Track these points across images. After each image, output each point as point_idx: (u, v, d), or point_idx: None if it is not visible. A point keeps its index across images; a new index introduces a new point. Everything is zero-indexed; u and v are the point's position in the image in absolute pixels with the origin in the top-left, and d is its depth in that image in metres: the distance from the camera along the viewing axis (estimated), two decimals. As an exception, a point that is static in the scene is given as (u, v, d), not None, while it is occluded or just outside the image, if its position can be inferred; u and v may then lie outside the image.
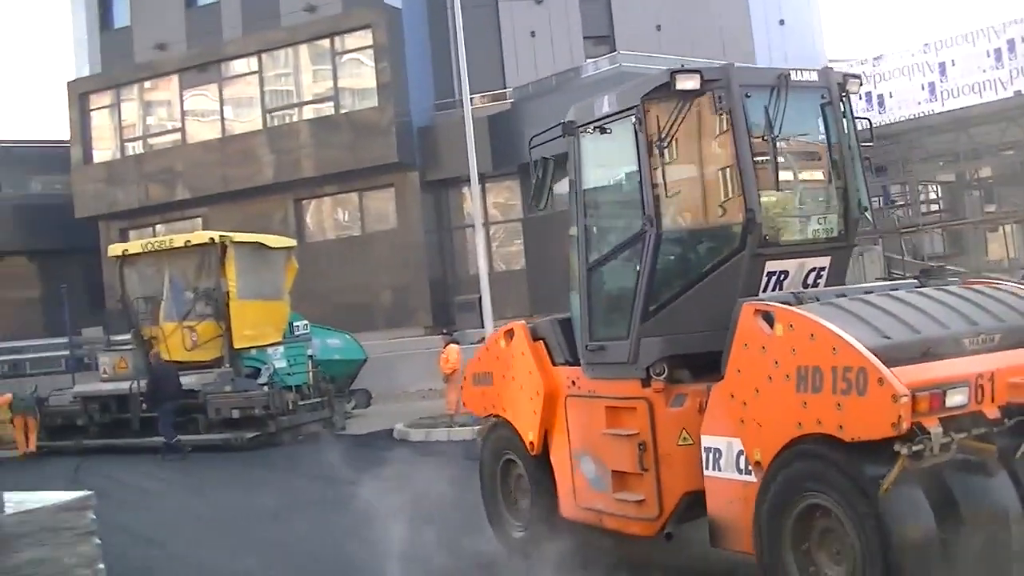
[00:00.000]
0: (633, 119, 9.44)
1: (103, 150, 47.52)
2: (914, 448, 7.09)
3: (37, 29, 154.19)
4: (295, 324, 27.49)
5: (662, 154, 9.17)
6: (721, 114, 9.05)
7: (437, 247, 40.99)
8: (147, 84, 46.46)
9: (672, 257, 9.61)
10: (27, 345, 41.86)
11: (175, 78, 45.20)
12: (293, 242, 30.32)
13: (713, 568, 9.68)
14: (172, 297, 26.35)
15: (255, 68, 43.44)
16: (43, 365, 37.58)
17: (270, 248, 27.45)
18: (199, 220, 44.00)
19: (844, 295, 8.51)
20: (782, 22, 46.11)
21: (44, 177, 55.03)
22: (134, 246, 28.80)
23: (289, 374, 25.93)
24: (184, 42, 45.35)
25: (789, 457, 7.88)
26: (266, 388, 24.34)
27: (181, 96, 45.12)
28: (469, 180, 29.98)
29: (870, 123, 10.19)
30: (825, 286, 9.41)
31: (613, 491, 9.73)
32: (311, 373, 26.87)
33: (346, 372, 29.41)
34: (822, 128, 9.68)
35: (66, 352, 37.18)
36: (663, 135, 9.15)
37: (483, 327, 26.13)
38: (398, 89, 40.32)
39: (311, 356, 27.38)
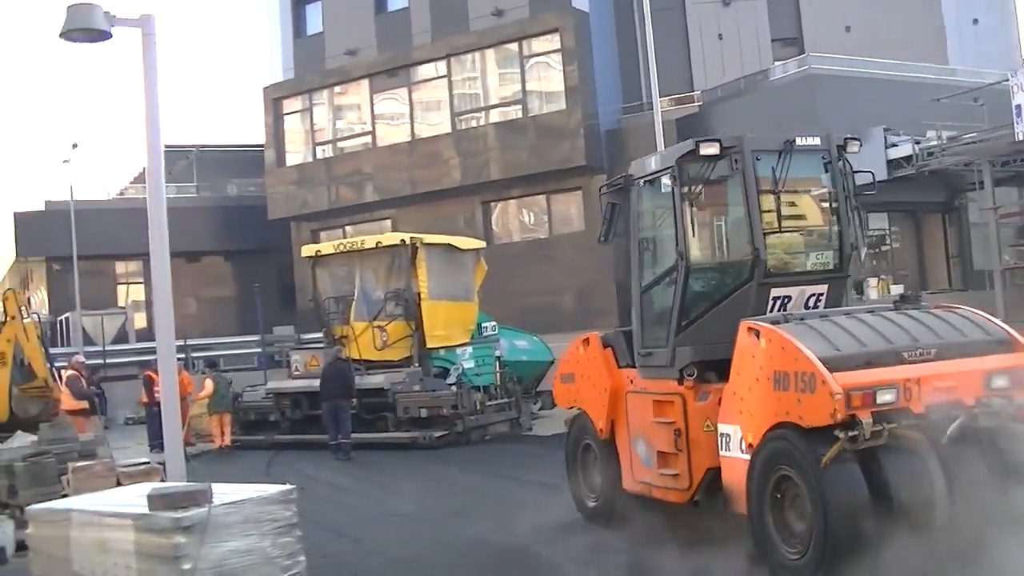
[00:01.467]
0: (670, 176, 11.96)
1: (295, 153, 48.60)
2: (850, 433, 9.42)
3: (235, 37, 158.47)
4: (483, 325, 27.65)
5: (691, 203, 11.78)
6: (736, 173, 11.63)
7: (623, 250, 40.93)
8: (338, 89, 47.40)
9: (698, 284, 12.10)
10: (221, 342, 42.99)
11: (365, 83, 46.02)
12: (482, 243, 30.49)
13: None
14: (363, 297, 26.71)
15: (443, 72, 43.98)
16: (236, 362, 38.49)
17: (460, 249, 27.67)
18: (388, 222, 44.70)
19: (825, 316, 10.96)
20: (976, 21, 44.95)
21: (240, 180, 56.60)
22: (326, 247, 29.34)
23: (477, 374, 26.07)
24: (374, 47, 46.07)
25: (768, 440, 10.28)
26: (454, 388, 24.49)
27: (371, 100, 45.94)
28: (657, 183, 29.77)
29: (873, 175, 12.58)
30: (825, 308, 11.76)
31: (657, 467, 12.21)
32: (499, 374, 26.95)
33: (533, 373, 29.45)
34: (824, 180, 12.14)
35: (258, 349, 38.07)
36: (692, 188, 11.77)
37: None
38: (585, 92, 40.36)
39: (499, 357, 27.50)
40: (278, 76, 50.04)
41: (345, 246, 28.23)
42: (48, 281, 54.31)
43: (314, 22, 49.46)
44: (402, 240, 26.34)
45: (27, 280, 57.31)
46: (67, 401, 25.31)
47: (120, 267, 55.40)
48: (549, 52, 41.61)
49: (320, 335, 28.78)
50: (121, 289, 55.36)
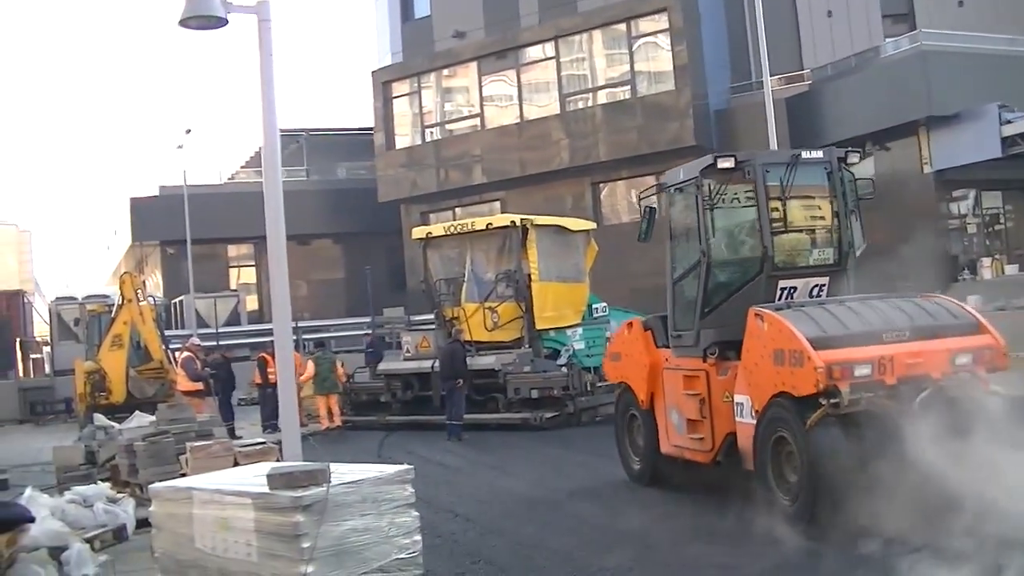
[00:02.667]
0: (694, 185, 13.95)
1: (404, 136, 48.82)
2: (832, 401, 11.33)
3: (343, 22, 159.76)
4: (594, 306, 27.53)
5: (711, 208, 13.72)
6: (749, 183, 13.72)
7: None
8: (446, 71, 47.56)
9: (718, 277, 14.08)
10: (332, 324, 43.41)
11: (473, 65, 46.09)
12: (593, 224, 30.41)
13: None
14: (474, 278, 26.80)
15: (551, 54, 43.90)
16: (346, 343, 38.82)
17: (570, 231, 27.59)
18: (497, 204, 44.83)
19: (821, 304, 12.82)
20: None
21: (349, 163, 57.13)
22: (437, 229, 29.45)
23: (588, 355, 25.94)
24: (482, 30, 46.12)
25: (769, 407, 12.22)
26: (565, 369, 24.45)
27: (479, 82, 45.99)
28: (767, 163, 29.46)
29: (872, 181, 14.99)
30: (826, 297, 13.64)
31: (687, 433, 14.18)
32: (610, 355, 26.91)
33: (644, 354, 29.30)
34: (826, 187, 14.06)
35: (368, 331, 38.32)
36: (712, 196, 13.70)
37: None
38: (694, 72, 40.06)
39: (609, 338, 27.45)
40: (387, 60, 50.35)
41: (455, 228, 28.29)
42: (162, 265, 55.30)
43: (422, 5, 49.69)
44: (512, 222, 26.34)
45: (142, 264, 58.40)
46: (183, 382, 25.72)
47: (232, 250, 56.30)
48: (657, 32, 41.31)
49: (430, 316, 28.91)
50: (233, 272, 56.24)
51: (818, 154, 14.20)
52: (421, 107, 48.06)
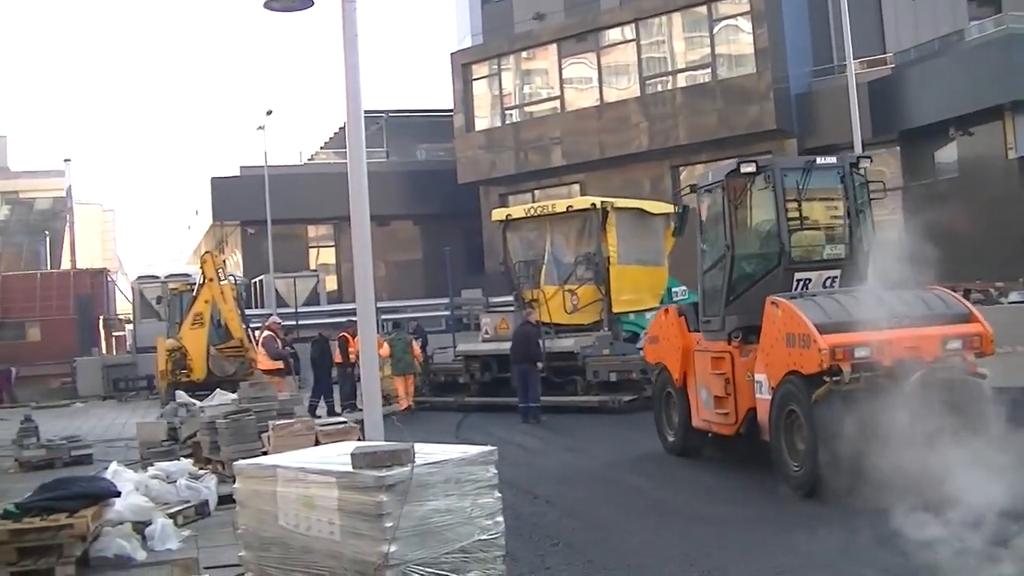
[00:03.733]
0: (720, 187, 15.70)
1: (483, 118, 48.84)
2: (835, 379, 12.85)
3: (424, 3, 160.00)
4: (673, 290, 27.37)
5: (736, 208, 15.53)
6: (768, 185, 15.22)
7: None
8: (525, 54, 47.52)
9: (741, 269, 15.64)
10: (410, 305, 43.55)
11: (553, 47, 46.00)
12: (672, 208, 30.28)
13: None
14: (553, 261, 26.79)
15: (631, 36, 43.72)
16: (425, 324, 38.92)
17: (650, 214, 27.38)
18: (576, 186, 44.77)
19: (831, 294, 14.34)
20: None
21: (428, 145, 57.22)
22: (517, 211, 29.45)
23: (667, 339, 25.89)
24: (562, 12, 46.03)
25: (781, 384, 13.78)
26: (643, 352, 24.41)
27: (559, 65, 45.90)
28: (850, 147, 29.16)
29: (883, 184, 16.74)
30: (839, 288, 14.99)
31: (714, 408, 15.80)
32: (688, 338, 26.82)
33: (721, 339, 29.18)
34: (839, 190, 15.70)
35: (447, 312, 38.46)
36: (737, 197, 15.50)
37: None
38: (776, 55, 39.70)
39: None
40: (467, 41, 50.41)
41: (535, 210, 28.29)
42: (242, 244, 55.76)
43: (503, -13, 49.61)
44: (593, 204, 26.29)
45: (223, 243, 58.96)
46: (263, 361, 25.89)
47: (312, 231, 56.63)
48: (738, 15, 41.03)
49: (509, 298, 28.95)
50: (312, 252, 56.57)
51: (831, 160, 16.08)
52: (501, 89, 48.06)
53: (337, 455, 8.56)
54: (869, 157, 16.18)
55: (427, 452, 8.16)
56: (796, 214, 15.27)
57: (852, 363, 12.85)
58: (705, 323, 16.30)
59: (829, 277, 15.35)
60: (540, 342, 24.08)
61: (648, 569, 10.39)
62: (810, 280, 15.22)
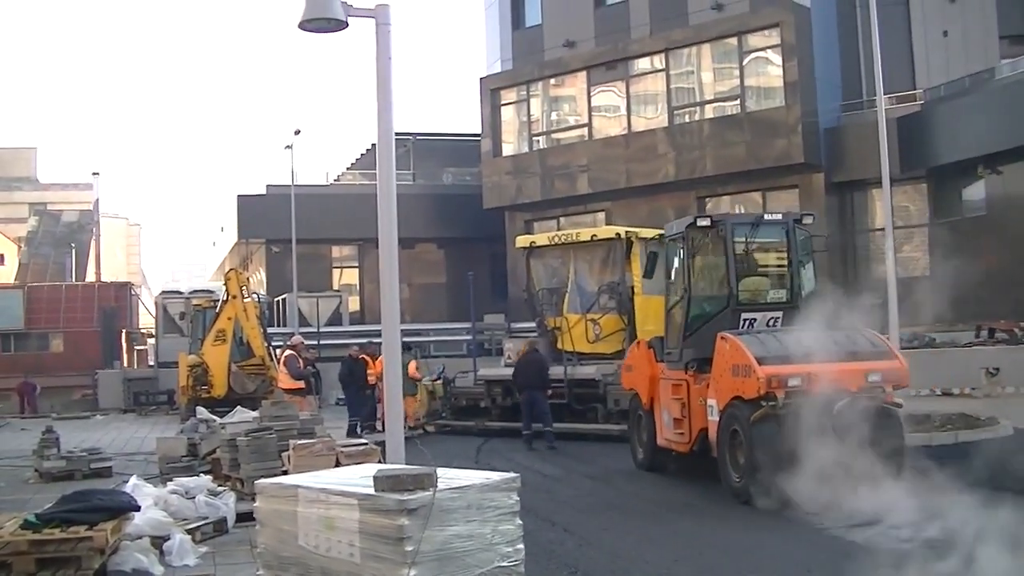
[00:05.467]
0: (680, 238, 18.06)
1: (510, 143, 48.91)
2: (771, 403, 15.02)
3: (453, 27, 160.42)
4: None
5: (694, 255, 17.89)
6: (721, 238, 17.39)
7: (839, 250, 40.11)
8: (554, 81, 47.61)
9: (696, 309, 17.75)
10: (433, 328, 43.59)
11: (582, 75, 46.09)
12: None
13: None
14: (576, 289, 26.81)
15: (661, 66, 43.75)
16: (446, 348, 38.95)
17: (675, 244, 27.45)
18: (601, 215, 44.80)
19: (772, 332, 16.55)
20: None
21: (455, 168, 57.32)
22: (541, 238, 29.50)
23: (687, 369, 25.91)
24: (592, 40, 46.07)
25: (727, 407, 15.93)
26: (664, 383, 24.42)
27: (588, 92, 45.96)
28: (877, 183, 29.12)
29: (825, 236, 19.86)
30: (780, 327, 16.97)
31: (673, 428, 17.84)
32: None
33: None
34: (783, 242, 17.71)
35: (468, 337, 38.45)
36: (695, 246, 17.85)
37: (888, 332, 25.31)
38: (805, 88, 39.67)
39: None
40: (496, 67, 50.47)
41: (560, 238, 28.35)
42: (267, 262, 55.89)
43: (533, 14, 49.68)
44: (617, 234, 26.33)
45: (247, 261, 59.12)
46: (284, 380, 25.95)
47: (336, 251, 56.77)
48: (768, 47, 40.99)
49: (531, 324, 28.95)
50: (336, 272, 56.70)
51: (777, 216, 18.45)
52: (529, 115, 48.13)
53: (359, 477, 8.54)
54: (812, 215, 18.21)
55: (450, 477, 8.13)
56: (744, 262, 17.84)
57: (786, 390, 14.99)
58: (667, 354, 18.54)
59: (772, 317, 17.35)
60: (548, 370, 24.35)
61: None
62: (755, 319, 17.31)
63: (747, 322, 17.24)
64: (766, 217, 18.51)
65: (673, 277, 18.71)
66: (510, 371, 26.76)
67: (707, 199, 43.26)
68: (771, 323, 17.26)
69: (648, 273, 21.18)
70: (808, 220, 17.90)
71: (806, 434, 14.18)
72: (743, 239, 17.72)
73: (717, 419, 16.25)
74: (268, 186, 55.10)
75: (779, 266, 18.05)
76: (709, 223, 17.60)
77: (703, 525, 14.28)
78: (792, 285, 17.58)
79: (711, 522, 14.42)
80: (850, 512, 13.08)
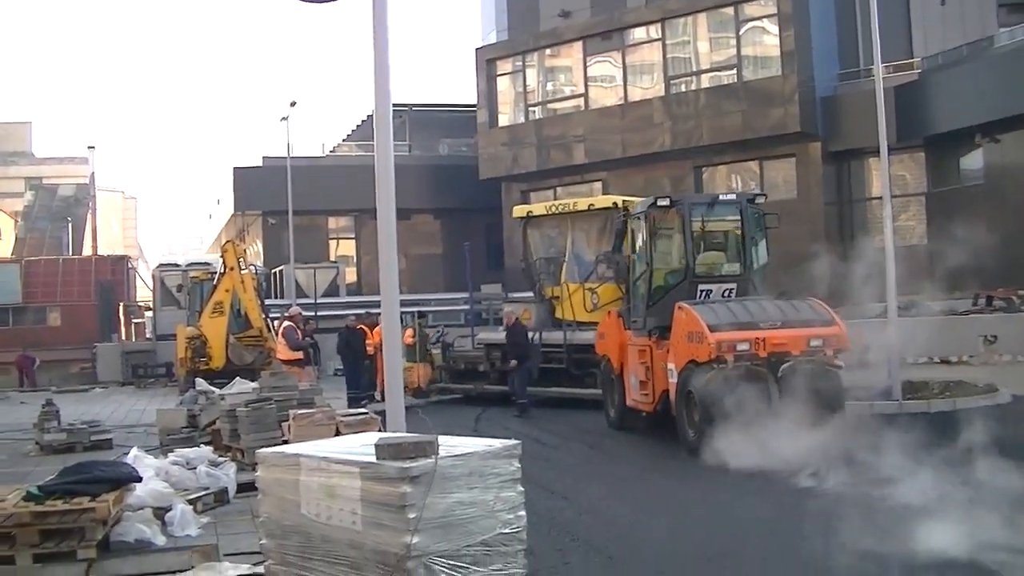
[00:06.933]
0: (643, 216, 19.69)
1: (506, 114, 48.84)
2: (720, 366, 16.42)
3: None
4: (699, 289, 27.49)
5: (655, 233, 19.68)
6: (680, 217, 19.16)
7: (836, 219, 40.12)
8: (550, 51, 47.52)
9: (657, 281, 19.42)
10: (430, 298, 43.60)
11: (578, 45, 46.04)
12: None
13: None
14: (574, 259, 26.80)
15: (657, 36, 43.72)
16: (444, 318, 38.94)
17: (672, 214, 27.50)
18: (598, 184, 44.75)
19: (725, 301, 18.18)
20: None
21: (451, 139, 57.23)
22: (538, 208, 29.48)
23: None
24: (588, 10, 46.00)
25: (683, 370, 17.28)
26: (662, 349, 24.56)
27: (584, 63, 45.91)
28: (874, 151, 29.06)
29: (778, 216, 19.92)
30: (734, 298, 18.60)
31: (639, 390, 19.39)
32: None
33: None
34: (737, 220, 19.54)
35: (466, 307, 38.48)
36: (656, 225, 19.63)
37: (886, 300, 25.29)
38: (802, 58, 39.66)
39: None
40: (491, 37, 50.43)
41: (557, 207, 28.33)
42: (263, 234, 55.89)
43: (528, -16, 49.52)
44: (615, 203, 26.22)
45: (244, 233, 59.14)
46: (282, 351, 25.91)
47: (332, 222, 56.78)
48: (764, 16, 41.00)
49: (529, 294, 28.96)
50: (332, 244, 56.68)
51: (731, 197, 20.56)
52: (525, 86, 48.08)
53: (360, 445, 8.57)
54: (764, 195, 20.47)
55: (451, 444, 8.16)
56: (700, 239, 19.62)
57: (735, 354, 16.43)
58: (633, 323, 20.08)
59: (727, 289, 19.05)
60: (529, 341, 25.11)
61: (667, 566, 10.45)
62: (711, 291, 18.95)
63: (704, 293, 18.91)
64: (721, 197, 20.51)
65: (637, 251, 20.37)
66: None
67: (704, 168, 43.32)
68: (726, 294, 18.94)
69: (616, 249, 22.51)
70: (760, 200, 20.02)
71: (753, 394, 15.76)
72: (700, 218, 19.63)
73: (675, 381, 17.65)
74: (264, 158, 55.04)
75: (732, 242, 19.82)
76: (669, 203, 19.38)
77: (695, 488, 14.54)
78: (745, 259, 19.43)
79: (703, 486, 14.61)
80: (796, 464, 14.26)
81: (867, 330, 21.90)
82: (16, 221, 72.88)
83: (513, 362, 24.62)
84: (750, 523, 12.13)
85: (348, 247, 56.61)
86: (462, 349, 29.40)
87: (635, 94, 44.29)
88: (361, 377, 26.79)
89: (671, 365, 17.97)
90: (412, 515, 7.42)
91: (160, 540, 11.61)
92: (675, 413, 17.68)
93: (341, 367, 31.17)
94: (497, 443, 8.43)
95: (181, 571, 10.11)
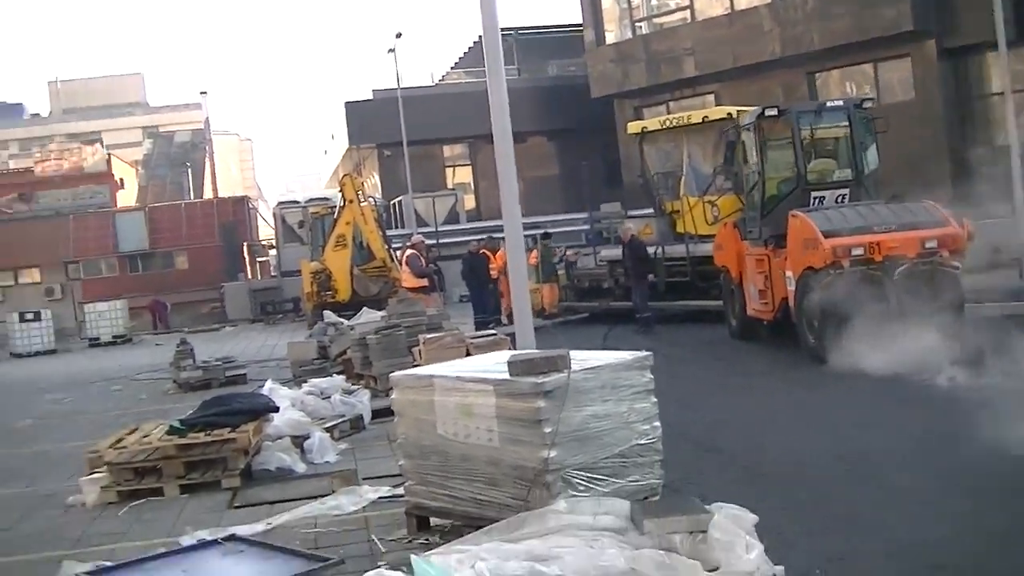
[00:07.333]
0: (753, 126, 20.05)
1: (612, 31, 48.34)
2: (836, 271, 16.49)
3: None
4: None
5: (765, 143, 19.96)
6: (788, 126, 19.45)
7: (957, 118, 39.21)
8: (654, -37, 46.79)
9: (771, 190, 19.72)
10: (549, 220, 43.66)
11: (681, -45, 45.25)
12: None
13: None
14: (692, 172, 26.66)
15: (763, -60, 42.78)
16: (563, 238, 38.97)
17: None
18: (710, 97, 44.14)
19: (839, 207, 18.28)
20: None
21: (559, 60, 56.89)
22: (652, 123, 29.31)
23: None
24: (689, -82, 45.20)
25: (801, 277, 17.42)
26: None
27: (689, -28, 45.17)
28: (993, 46, 28.35)
29: (887, 120, 20.41)
30: (847, 203, 18.70)
31: (759, 299, 19.57)
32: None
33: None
34: (847, 126, 19.60)
35: (585, 226, 38.48)
36: (766, 135, 19.96)
37: (1013, 199, 24.81)
38: (914, -50, 38.53)
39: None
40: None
41: (671, 121, 28.19)
42: (379, 167, 56.19)
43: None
44: (728, 114, 25.97)
45: (360, 166, 59.51)
46: (408, 279, 26.14)
47: (447, 151, 56.84)
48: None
49: (648, 211, 28.86)
50: (448, 172, 56.83)
51: (839, 103, 20.56)
52: (629, 1, 47.50)
53: (493, 364, 8.67)
54: (871, 98, 21.92)
55: (582, 358, 8.22)
56: (810, 147, 19.88)
57: (850, 259, 16.52)
58: (749, 232, 20.31)
59: (839, 195, 19.16)
60: (648, 256, 25.17)
61: (805, 472, 10.41)
62: (824, 197, 19.06)
63: (817, 200, 19.00)
64: (828, 104, 20.54)
65: (749, 162, 20.69)
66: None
67: (816, 74, 42.41)
68: (839, 200, 19.02)
69: (727, 160, 22.37)
70: (868, 104, 20.53)
71: (871, 298, 15.92)
72: (808, 126, 19.83)
73: (793, 289, 17.80)
74: (374, 91, 55.28)
75: (842, 148, 19.97)
76: (776, 113, 19.69)
77: (822, 394, 14.65)
78: (856, 164, 19.45)
79: (830, 391, 14.74)
80: (924, 366, 14.36)
81: (995, 231, 21.55)
82: (137, 170, 74.18)
83: (650, 277, 24.94)
84: (883, 426, 12.13)
85: (464, 174, 56.74)
86: (585, 267, 29.45)
87: (741, 2, 43.43)
88: (487, 301, 27.03)
89: (788, 273, 18.11)
90: (548, 429, 7.50)
91: (300, 467, 11.93)
92: (795, 320, 17.87)
93: (466, 293, 31.47)
94: (628, 355, 8.49)
95: (322, 496, 10.29)
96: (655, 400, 8.39)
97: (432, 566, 5.04)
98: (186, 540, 8.89)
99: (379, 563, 7.18)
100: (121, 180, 65.94)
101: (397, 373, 9.27)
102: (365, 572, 6.14)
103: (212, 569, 7.76)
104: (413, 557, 5.31)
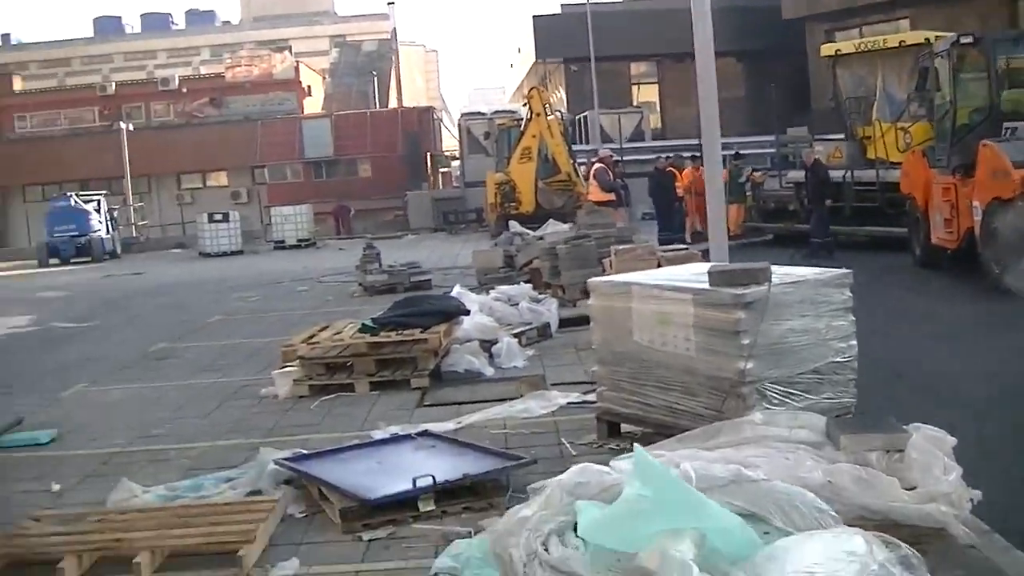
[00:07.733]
0: (947, 54, 19.97)
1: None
2: None
3: None
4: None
5: (958, 71, 20.00)
6: (983, 54, 19.61)
7: None
8: None
9: (961, 119, 19.77)
10: (735, 141, 43.15)
11: None
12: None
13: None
14: (885, 98, 26.08)
15: None
16: (750, 161, 38.54)
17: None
18: (904, 22, 42.96)
19: None
20: None
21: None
22: (847, 46, 28.71)
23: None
24: None
25: (988, 206, 17.02)
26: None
27: None
28: None
29: None
30: None
31: (944, 228, 19.21)
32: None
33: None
34: None
35: (772, 150, 37.97)
36: (959, 63, 19.89)
37: None
38: None
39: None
40: None
41: (866, 45, 27.59)
42: (566, 81, 56.09)
43: None
44: (926, 39, 25.28)
45: (546, 81, 59.48)
46: (595, 193, 26.20)
47: (634, 68, 56.47)
48: None
49: (837, 136, 28.39)
50: (635, 89, 56.48)
51: None
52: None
53: (691, 274, 8.69)
54: None
55: (782, 272, 8.18)
56: (1005, 76, 19.78)
57: None
58: (937, 161, 20.16)
59: None
60: (829, 180, 24.92)
61: (995, 404, 10.13)
62: (1016, 128, 18.50)
63: (1008, 131, 18.54)
64: None
65: (940, 90, 20.80)
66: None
67: (1018, 2, 40.95)
68: None
69: (919, 87, 22.63)
70: None
71: None
72: (1004, 55, 19.91)
73: (980, 219, 17.41)
74: (563, 5, 55.11)
75: None
76: (971, 40, 19.60)
77: (1010, 326, 14.10)
78: None
79: (1020, 323, 14.27)
80: None
81: None
82: (324, 78, 75.24)
83: (828, 203, 24.53)
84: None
85: (650, 92, 56.35)
86: (771, 189, 29.19)
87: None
88: (672, 219, 26.96)
89: (976, 203, 17.75)
90: (746, 341, 7.48)
91: (488, 371, 12.11)
92: (980, 251, 17.57)
93: (649, 211, 31.40)
94: (829, 271, 8.40)
95: (511, 399, 10.43)
96: (852, 319, 8.26)
97: (653, 461, 5.10)
98: (378, 434, 9.15)
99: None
100: (308, 87, 67.00)
101: (595, 279, 9.34)
102: (566, 468, 6.23)
103: (405, 462, 7.98)
104: (636, 447, 5.37)
